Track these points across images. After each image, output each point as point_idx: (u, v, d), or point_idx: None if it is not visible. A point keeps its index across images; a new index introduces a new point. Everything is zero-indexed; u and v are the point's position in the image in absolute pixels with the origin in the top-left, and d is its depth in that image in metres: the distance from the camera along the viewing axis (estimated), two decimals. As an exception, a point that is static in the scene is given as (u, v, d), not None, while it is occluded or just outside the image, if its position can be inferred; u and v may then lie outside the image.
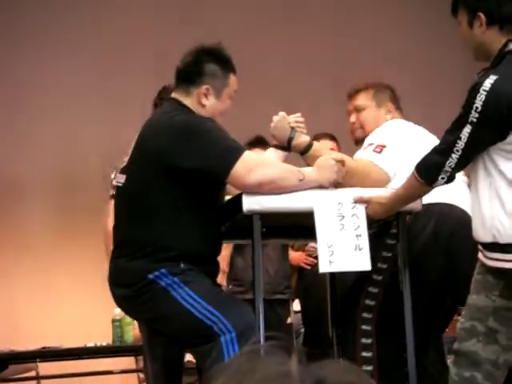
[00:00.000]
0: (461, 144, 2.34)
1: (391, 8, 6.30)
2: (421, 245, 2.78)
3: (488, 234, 2.36)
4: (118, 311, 4.47)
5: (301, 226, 2.83)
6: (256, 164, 2.53)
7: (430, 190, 2.51)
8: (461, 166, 2.40)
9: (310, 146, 2.84)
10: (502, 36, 2.35)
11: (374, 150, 2.85)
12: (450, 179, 2.43)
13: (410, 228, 2.75)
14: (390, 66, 5.91)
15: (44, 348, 4.68)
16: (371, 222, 2.68)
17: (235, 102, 2.77)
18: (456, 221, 2.73)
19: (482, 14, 2.34)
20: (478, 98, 2.28)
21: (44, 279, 5.50)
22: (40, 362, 4.72)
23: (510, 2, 2.33)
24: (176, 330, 2.60)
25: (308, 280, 4.33)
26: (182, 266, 2.57)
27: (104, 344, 4.71)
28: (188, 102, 2.67)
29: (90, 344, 4.72)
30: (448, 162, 2.37)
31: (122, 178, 2.69)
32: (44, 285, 5.49)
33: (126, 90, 5.66)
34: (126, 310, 2.80)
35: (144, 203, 2.60)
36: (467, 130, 2.33)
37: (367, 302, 2.82)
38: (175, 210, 2.59)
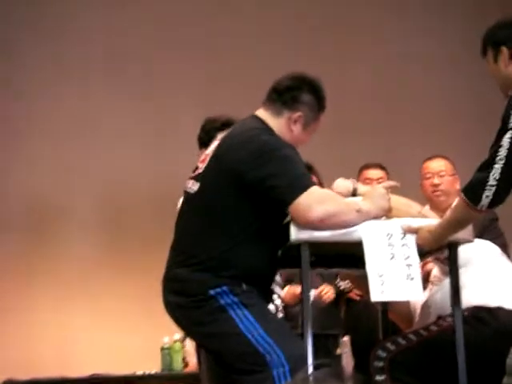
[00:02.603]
0: (503, 151, 2.32)
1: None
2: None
3: None
4: (166, 339, 4.48)
5: (350, 255, 2.81)
6: (319, 200, 2.53)
7: (479, 215, 2.45)
8: (507, 177, 2.34)
9: (354, 192, 2.83)
10: None
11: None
12: (497, 197, 2.36)
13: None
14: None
15: (94, 375, 4.70)
16: (423, 251, 2.65)
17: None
18: None
19: (504, 48, 2.44)
20: None
21: (94, 306, 5.53)
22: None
23: None
24: (226, 351, 2.55)
25: (357, 310, 4.29)
26: (244, 286, 2.56)
27: (153, 372, 4.71)
28: (275, 122, 2.68)
29: (139, 372, 4.73)
30: (492, 173, 2.33)
31: (194, 185, 2.68)
32: (94, 312, 5.52)
33: (173, 118, 5.71)
34: (177, 319, 2.68)
35: (214, 215, 2.60)
36: (508, 135, 2.31)
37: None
38: (243, 228, 2.58)
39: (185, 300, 2.57)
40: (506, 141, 2.33)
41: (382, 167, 4.48)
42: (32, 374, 4.71)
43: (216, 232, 2.59)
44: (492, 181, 2.34)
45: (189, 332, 2.79)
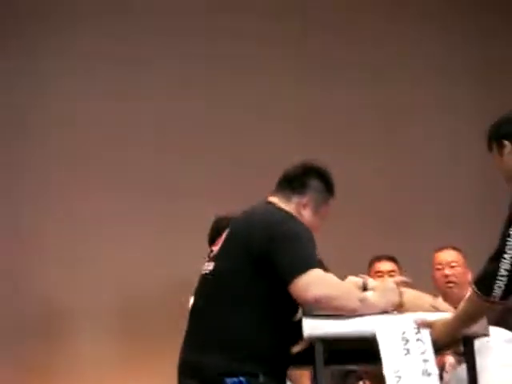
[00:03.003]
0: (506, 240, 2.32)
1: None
2: None
3: None
4: None
5: (365, 351, 2.77)
6: (318, 280, 2.53)
7: (492, 307, 2.42)
8: None
9: (365, 286, 2.82)
10: None
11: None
12: (509, 289, 2.34)
13: None
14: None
15: None
16: (438, 346, 2.62)
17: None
18: None
19: (507, 142, 2.53)
20: None
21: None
22: None
23: None
24: None
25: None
26: (261, 379, 2.53)
27: None
28: (286, 208, 2.73)
29: None
30: (502, 264, 2.32)
31: (209, 266, 2.70)
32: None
33: (183, 212, 5.73)
34: None
35: (227, 294, 2.60)
36: None
37: None
38: (256, 307, 2.58)
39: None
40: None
41: (393, 259, 4.46)
42: None
43: (227, 310, 2.58)
44: (503, 271, 2.33)
45: None
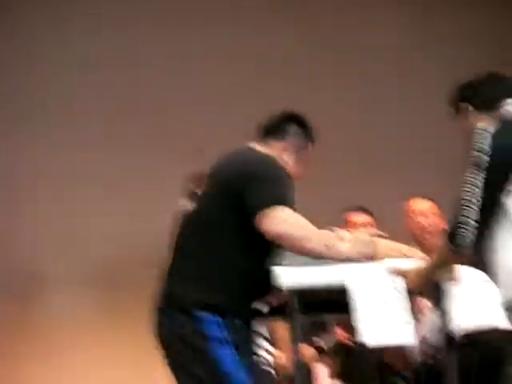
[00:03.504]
0: (470, 188, 2.35)
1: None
2: None
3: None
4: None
5: (341, 301, 2.79)
6: (285, 217, 2.52)
7: (463, 256, 2.45)
8: (483, 217, 2.35)
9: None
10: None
11: None
12: (478, 239, 2.36)
13: None
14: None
15: None
16: (412, 293, 2.65)
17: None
18: None
19: (464, 104, 2.61)
20: (481, 142, 2.39)
21: (85, 359, 5.48)
22: None
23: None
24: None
25: (355, 356, 4.25)
26: (237, 322, 2.55)
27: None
28: (267, 152, 2.76)
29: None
30: (469, 213, 2.34)
31: (190, 204, 2.74)
32: (85, 364, 5.46)
33: (161, 178, 5.72)
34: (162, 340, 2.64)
35: (205, 230, 2.62)
36: (472, 170, 2.37)
37: None
38: (234, 244, 2.60)
39: (172, 315, 2.56)
40: (473, 178, 2.36)
41: (367, 211, 4.48)
42: None
43: (206, 244, 2.61)
44: (471, 222, 2.35)
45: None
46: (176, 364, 2.59)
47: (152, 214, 5.54)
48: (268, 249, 2.63)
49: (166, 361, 2.61)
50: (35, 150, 5.70)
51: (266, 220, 2.51)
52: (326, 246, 2.56)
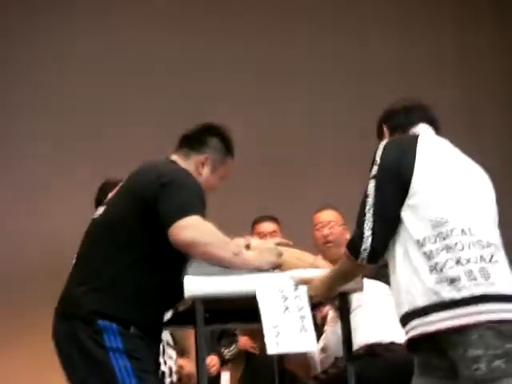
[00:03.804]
0: (370, 200, 2.39)
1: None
2: None
3: (405, 303, 2.35)
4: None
5: (245, 310, 2.82)
6: (195, 225, 2.54)
7: (363, 269, 2.49)
8: (379, 227, 2.37)
9: (248, 247, 2.84)
10: None
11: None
12: (375, 250, 2.39)
13: None
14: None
15: None
16: (315, 302, 2.69)
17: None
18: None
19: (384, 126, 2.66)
20: (377, 154, 2.46)
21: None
22: None
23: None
24: None
25: (256, 364, 4.29)
26: (132, 329, 2.54)
27: None
28: (185, 165, 2.77)
29: None
30: (365, 224, 2.38)
31: (99, 210, 2.74)
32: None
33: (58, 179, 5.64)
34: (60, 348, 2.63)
35: (110, 235, 2.62)
36: (372, 183, 2.41)
37: None
38: (136, 250, 2.59)
39: (69, 322, 2.54)
40: (370, 189, 2.41)
41: (274, 219, 4.53)
42: None
43: (110, 251, 2.60)
44: (367, 232, 2.39)
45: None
46: (69, 369, 2.58)
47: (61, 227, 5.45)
48: (175, 259, 2.63)
49: (61, 365, 2.61)
50: None
51: (176, 229, 2.52)
52: (234, 253, 2.59)
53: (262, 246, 2.78)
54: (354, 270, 2.52)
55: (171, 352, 3.86)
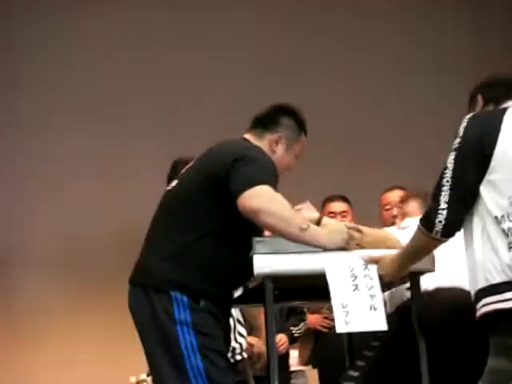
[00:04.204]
0: (449, 173, 2.36)
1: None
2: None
3: (481, 279, 2.31)
4: (133, 379, 4.43)
5: (314, 288, 2.81)
6: (266, 194, 2.55)
7: (438, 243, 2.45)
8: (456, 199, 2.35)
9: (318, 222, 2.84)
10: None
11: (398, 228, 2.96)
12: (451, 222, 2.36)
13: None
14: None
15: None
16: (385, 282, 2.67)
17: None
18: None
19: (479, 96, 2.60)
20: (460, 128, 2.41)
21: (57, 349, 5.48)
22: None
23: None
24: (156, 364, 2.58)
25: (326, 342, 4.29)
26: (202, 303, 2.57)
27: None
28: (259, 144, 2.79)
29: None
30: (442, 197, 2.35)
31: (174, 182, 2.78)
32: (57, 356, 5.47)
33: (135, 162, 5.71)
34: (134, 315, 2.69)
35: (180, 208, 2.66)
36: (452, 156, 2.37)
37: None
38: (209, 227, 2.62)
39: (143, 289, 2.59)
40: (450, 162, 2.37)
41: (345, 199, 4.51)
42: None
43: (182, 223, 2.63)
44: (443, 204, 2.36)
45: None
46: (142, 338, 2.63)
47: (126, 198, 5.55)
48: (245, 234, 2.64)
49: (138, 334, 2.66)
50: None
51: (245, 197, 2.53)
52: (301, 228, 2.57)
53: (332, 225, 2.76)
54: (428, 246, 2.48)
55: (241, 329, 3.89)
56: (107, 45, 5.90)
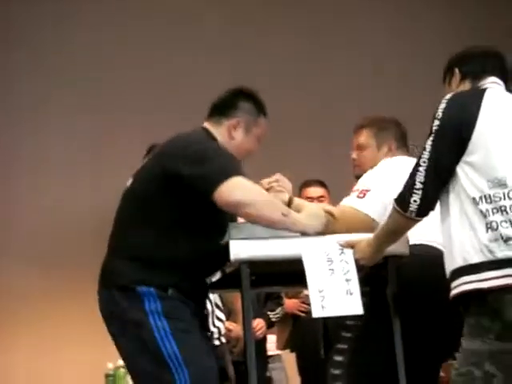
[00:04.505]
0: (426, 155, 2.37)
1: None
2: (407, 289, 2.75)
3: (458, 258, 2.33)
4: (111, 365, 4.42)
5: (291, 273, 2.82)
6: (243, 185, 2.54)
7: (412, 223, 2.45)
8: (431, 180, 2.36)
9: (289, 203, 2.85)
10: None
11: (357, 196, 2.87)
12: (425, 203, 2.37)
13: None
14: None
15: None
16: (360, 267, 2.68)
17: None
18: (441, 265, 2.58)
19: (456, 70, 2.60)
20: (439, 109, 2.41)
21: (36, 335, 5.46)
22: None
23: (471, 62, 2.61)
24: (132, 355, 2.57)
25: (303, 327, 4.31)
26: (170, 292, 2.57)
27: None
28: (217, 132, 2.76)
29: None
30: (417, 177, 2.36)
31: (129, 181, 2.74)
32: (36, 341, 5.45)
33: (111, 141, 5.69)
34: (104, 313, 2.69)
35: (140, 204, 2.63)
36: (431, 138, 2.38)
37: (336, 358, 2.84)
38: (168, 218, 2.60)
39: (110, 292, 2.58)
40: (428, 144, 2.38)
41: (322, 184, 4.51)
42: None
43: (141, 221, 2.61)
44: (418, 184, 2.37)
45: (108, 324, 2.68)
46: (117, 339, 2.62)
47: (101, 181, 5.53)
48: (207, 225, 2.64)
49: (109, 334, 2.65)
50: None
51: (223, 191, 2.51)
52: (283, 214, 2.57)
53: (310, 209, 2.75)
54: (403, 226, 2.48)
55: (220, 314, 3.89)
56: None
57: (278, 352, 4.70)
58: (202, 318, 2.78)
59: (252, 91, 2.84)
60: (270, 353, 4.61)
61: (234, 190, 2.51)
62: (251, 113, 2.79)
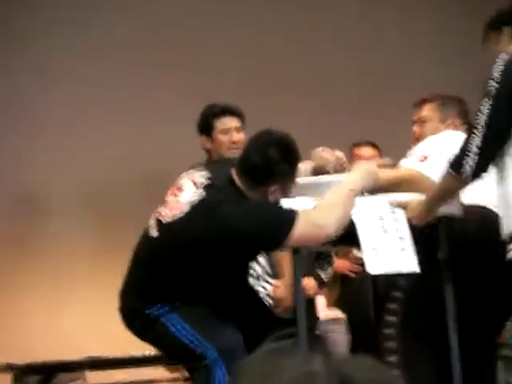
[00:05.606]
0: (482, 119, 2.34)
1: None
2: (462, 249, 2.72)
3: None
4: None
5: (343, 233, 2.81)
6: (304, 221, 2.54)
7: (464, 185, 2.44)
8: (487, 145, 2.33)
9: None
10: None
11: (420, 160, 2.83)
12: (480, 166, 2.35)
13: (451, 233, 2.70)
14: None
15: (89, 357, 4.69)
16: (413, 225, 2.66)
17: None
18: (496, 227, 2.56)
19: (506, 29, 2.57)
20: (495, 70, 2.36)
21: (85, 293, 5.54)
22: (89, 370, 4.74)
23: None
24: (166, 351, 2.89)
25: (353, 287, 4.30)
26: (178, 304, 2.71)
27: (150, 353, 4.66)
28: (250, 194, 2.64)
29: (137, 353, 4.70)
30: (473, 142, 2.34)
31: (154, 230, 2.74)
32: (85, 299, 5.53)
33: (164, 100, 5.70)
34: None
35: (164, 268, 2.71)
36: (486, 102, 2.34)
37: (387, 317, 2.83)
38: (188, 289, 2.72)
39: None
40: (484, 106, 2.34)
41: (373, 145, 4.47)
42: (28, 360, 4.69)
43: (161, 284, 2.72)
44: (474, 148, 2.34)
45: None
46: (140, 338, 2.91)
47: (154, 138, 5.55)
48: (225, 278, 2.73)
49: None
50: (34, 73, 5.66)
51: (312, 235, 2.56)
52: (350, 190, 2.59)
53: (361, 167, 2.74)
54: (456, 188, 2.48)
55: (268, 278, 3.89)
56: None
57: (340, 315, 4.67)
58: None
59: (284, 143, 2.61)
60: (331, 316, 4.60)
61: (319, 224, 2.54)
62: (289, 175, 2.62)
